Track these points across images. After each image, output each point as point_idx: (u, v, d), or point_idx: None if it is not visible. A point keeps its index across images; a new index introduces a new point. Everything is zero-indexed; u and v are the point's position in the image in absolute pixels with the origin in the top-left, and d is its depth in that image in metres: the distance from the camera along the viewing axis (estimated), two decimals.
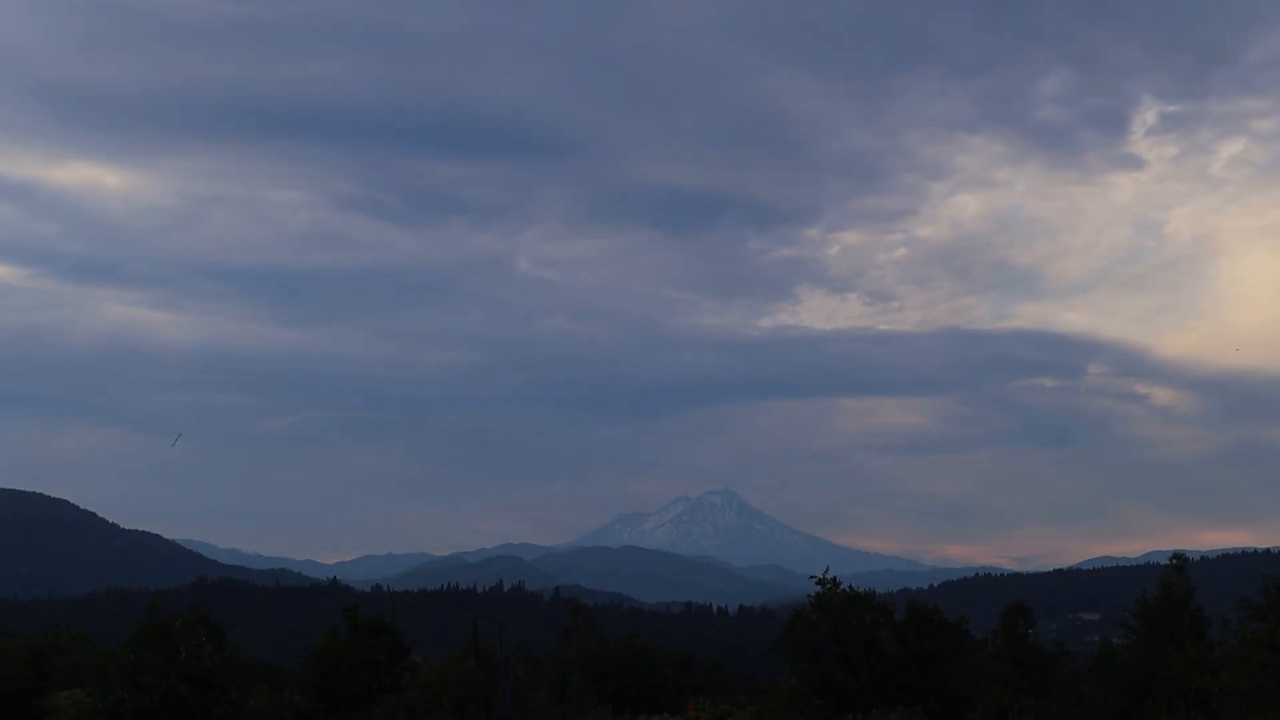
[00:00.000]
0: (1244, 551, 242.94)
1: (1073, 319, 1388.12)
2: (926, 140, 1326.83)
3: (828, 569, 39.73)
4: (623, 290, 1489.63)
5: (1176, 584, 36.28)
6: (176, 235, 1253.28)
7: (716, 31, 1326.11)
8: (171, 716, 35.50)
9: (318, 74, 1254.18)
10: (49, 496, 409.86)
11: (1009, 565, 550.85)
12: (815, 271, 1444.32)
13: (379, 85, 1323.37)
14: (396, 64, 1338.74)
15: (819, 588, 38.54)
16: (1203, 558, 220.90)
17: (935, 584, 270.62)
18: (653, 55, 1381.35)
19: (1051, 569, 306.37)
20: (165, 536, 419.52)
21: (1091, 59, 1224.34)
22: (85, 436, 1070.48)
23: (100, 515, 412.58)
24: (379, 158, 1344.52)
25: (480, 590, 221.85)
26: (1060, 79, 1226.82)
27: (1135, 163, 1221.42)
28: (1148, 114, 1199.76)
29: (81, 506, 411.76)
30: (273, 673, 54.24)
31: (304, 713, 38.91)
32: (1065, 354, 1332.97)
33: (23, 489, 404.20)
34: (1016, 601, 41.75)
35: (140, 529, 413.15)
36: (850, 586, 39.21)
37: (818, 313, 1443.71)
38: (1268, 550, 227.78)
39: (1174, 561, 37.03)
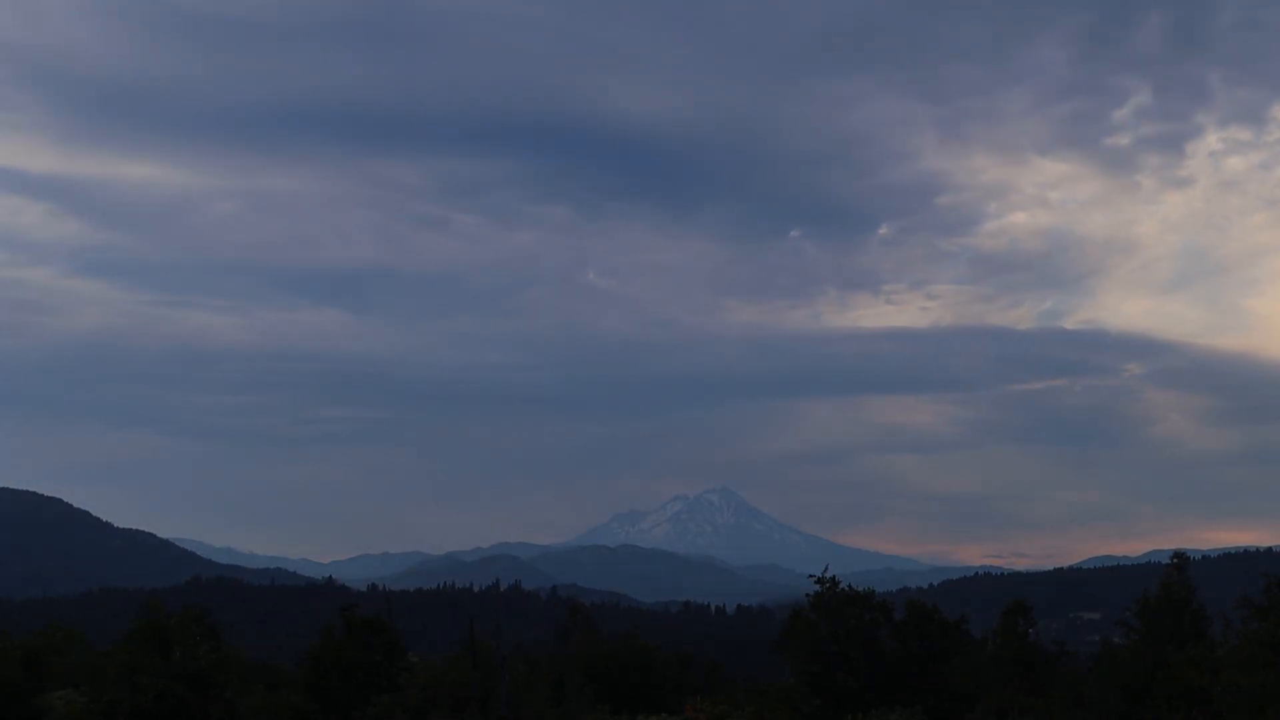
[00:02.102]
0: (1245, 550, 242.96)
1: (1109, 324, 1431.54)
2: (997, 163, 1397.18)
3: (826, 568, 39.56)
4: (676, 298, 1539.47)
5: (1177, 583, 36.09)
6: (244, 239, 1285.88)
7: (812, 52, 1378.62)
8: (167, 716, 35.28)
9: (391, 81, 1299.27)
10: (43, 495, 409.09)
11: (1010, 564, 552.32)
12: (863, 281, 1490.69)
13: (458, 94, 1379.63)
14: (478, 73, 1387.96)
15: (818, 587, 38.37)
16: (1204, 556, 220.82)
17: (935, 583, 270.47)
18: (741, 75, 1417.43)
19: (1052, 568, 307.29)
20: (160, 535, 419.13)
21: (1169, 87, 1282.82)
22: (80, 435, 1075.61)
23: (94, 514, 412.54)
24: (454, 167, 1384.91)
25: (477, 589, 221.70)
26: (1136, 106, 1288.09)
27: (1191, 183, 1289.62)
28: (1210, 138, 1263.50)
29: (75, 505, 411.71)
30: (269, 672, 54.05)
31: (300, 713, 38.68)
32: (1091, 355, 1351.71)
33: (16, 488, 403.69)
34: (1017, 601, 41.52)
35: (134, 528, 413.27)
36: (849, 586, 38.99)
37: (852, 317, 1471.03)
38: (1269, 549, 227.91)
39: (1175, 560, 36.85)
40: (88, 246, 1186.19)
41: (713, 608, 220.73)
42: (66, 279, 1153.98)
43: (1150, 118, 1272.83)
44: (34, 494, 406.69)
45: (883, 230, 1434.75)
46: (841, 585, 38.46)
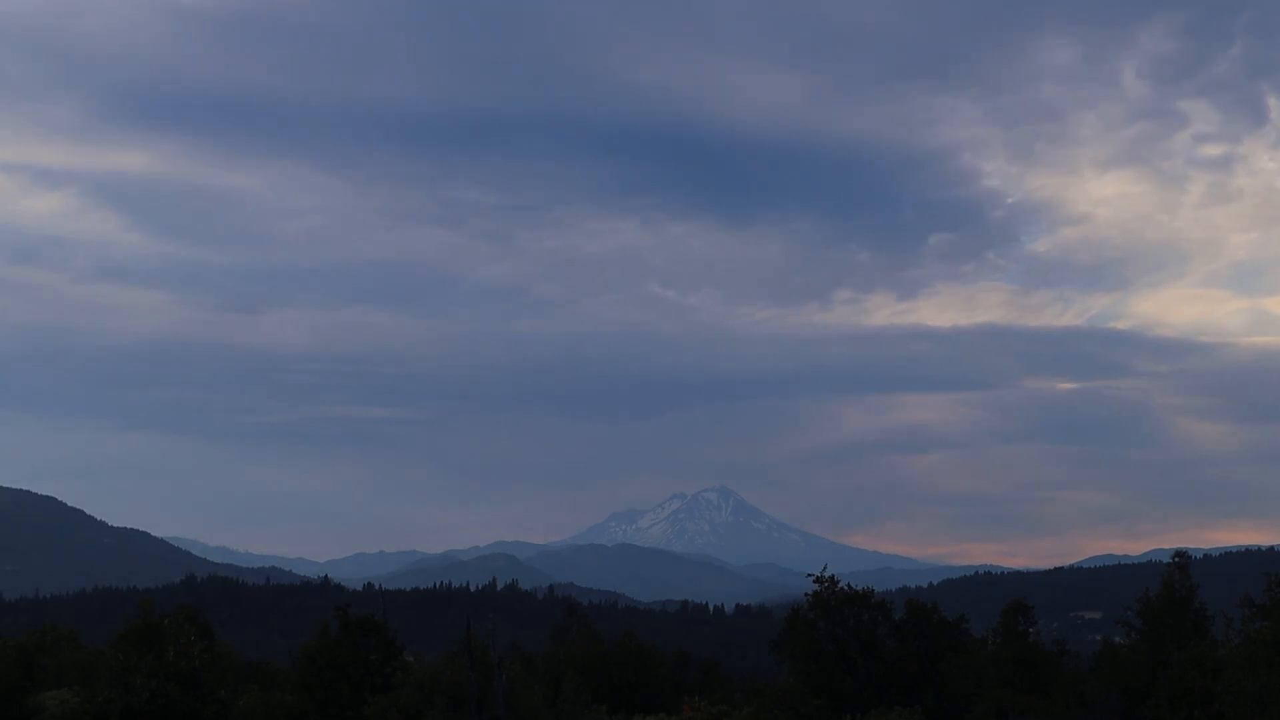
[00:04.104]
0: (1248, 549, 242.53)
1: (1139, 328, 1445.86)
2: (1054, 180, 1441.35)
3: (825, 567, 39.32)
4: (719, 306, 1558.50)
5: (1179, 582, 35.90)
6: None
7: (898, 71, 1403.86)
8: (160, 716, 34.95)
9: (464, 94, 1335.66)
10: (36, 494, 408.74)
11: (1011, 563, 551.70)
12: (908, 287, 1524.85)
13: (534, 105, 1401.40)
14: (553, 85, 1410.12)
15: (816, 586, 38.12)
16: (1205, 555, 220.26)
17: (935, 582, 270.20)
18: (821, 90, 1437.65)
19: (1053, 567, 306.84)
20: (154, 534, 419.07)
21: (1231, 112, 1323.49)
22: (75, 434, 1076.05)
23: (88, 513, 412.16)
24: (524, 185, 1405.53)
25: (473, 589, 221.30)
26: (1198, 130, 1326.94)
27: (1238, 198, 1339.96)
28: (1262, 158, 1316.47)
29: (69, 504, 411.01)
30: (263, 672, 53.62)
31: (295, 713, 38.33)
32: (1110, 356, 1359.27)
33: (9, 486, 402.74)
34: (1017, 600, 41.42)
35: (129, 527, 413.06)
36: (848, 585, 38.77)
37: (883, 320, 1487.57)
38: (1272, 548, 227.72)
39: (1176, 560, 36.65)
40: (156, 255, 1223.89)
41: (711, 607, 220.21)
42: (112, 287, 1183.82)
43: (1209, 140, 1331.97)
44: (27, 492, 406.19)
45: (934, 240, 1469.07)
46: (840, 585, 38.21)
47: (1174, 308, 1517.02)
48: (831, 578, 38.28)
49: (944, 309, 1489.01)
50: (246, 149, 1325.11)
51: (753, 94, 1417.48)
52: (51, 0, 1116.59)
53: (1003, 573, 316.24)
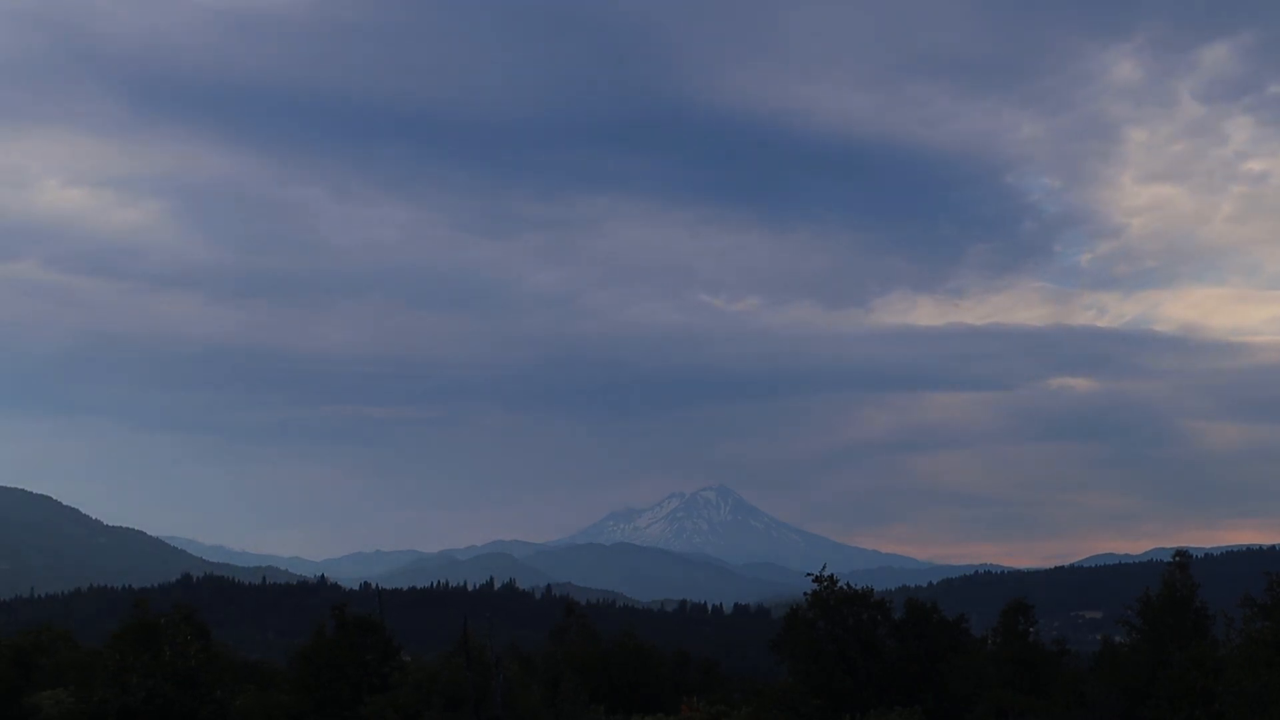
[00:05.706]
0: (1249, 549, 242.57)
1: (1160, 327, 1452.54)
2: (1096, 192, 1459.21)
3: (824, 566, 39.21)
4: (764, 311, 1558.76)
5: (1180, 582, 35.79)
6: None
7: (958, 82, 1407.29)
8: (156, 716, 34.84)
9: (518, 104, 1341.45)
10: (31, 493, 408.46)
11: (1011, 563, 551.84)
12: (948, 296, 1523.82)
13: (584, 109, 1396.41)
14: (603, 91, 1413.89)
15: (816, 586, 38.00)
16: (1207, 554, 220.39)
17: (935, 582, 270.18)
18: (877, 98, 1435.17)
19: (1053, 567, 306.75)
20: (149, 534, 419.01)
21: (1270, 126, 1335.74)
22: (69, 431, 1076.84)
23: (83, 512, 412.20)
24: (574, 198, 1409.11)
25: (471, 588, 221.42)
26: (1238, 147, 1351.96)
27: (1276, 209, 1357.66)
28: None
29: (64, 503, 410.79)
30: (260, 672, 53.51)
31: (293, 712, 38.20)
32: (1125, 354, 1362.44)
33: (5, 485, 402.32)
34: (1017, 599, 41.30)
35: (124, 526, 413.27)
36: (847, 584, 38.67)
37: (898, 320, 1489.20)
38: (1273, 548, 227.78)
39: (1177, 559, 36.53)
40: (203, 263, 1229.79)
41: (709, 607, 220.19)
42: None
43: (1247, 157, 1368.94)
44: (22, 491, 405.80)
45: (975, 250, 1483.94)
46: (840, 584, 38.10)
47: (1208, 312, 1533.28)
48: (831, 577, 38.17)
49: (984, 318, 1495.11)
50: (306, 158, 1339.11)
51: (809, 106, 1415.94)
52: (120, 5, 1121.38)
53: (1003, 572, 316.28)
